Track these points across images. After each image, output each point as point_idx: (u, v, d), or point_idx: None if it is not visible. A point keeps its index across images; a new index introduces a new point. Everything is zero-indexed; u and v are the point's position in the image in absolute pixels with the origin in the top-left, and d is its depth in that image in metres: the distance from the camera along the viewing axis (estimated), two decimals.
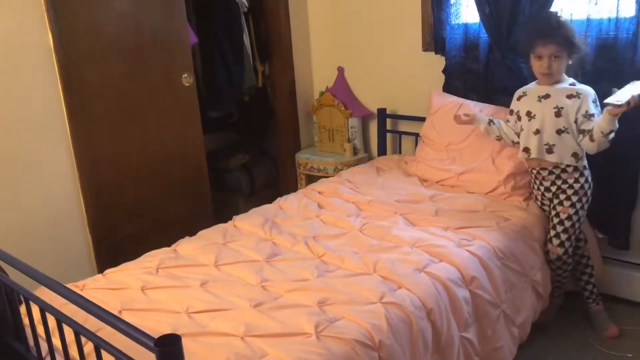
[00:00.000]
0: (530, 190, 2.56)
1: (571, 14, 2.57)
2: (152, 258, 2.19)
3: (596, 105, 2.25)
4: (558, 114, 2.27)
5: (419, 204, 2.57)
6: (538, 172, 2.40)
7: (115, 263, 2.19)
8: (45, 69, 2.54)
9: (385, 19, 3.31)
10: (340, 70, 3.58)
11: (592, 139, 2.21)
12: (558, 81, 2.31)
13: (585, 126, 2.24)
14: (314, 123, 3.69)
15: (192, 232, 2.44)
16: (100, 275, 2.12)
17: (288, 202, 2.68)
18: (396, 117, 3.37)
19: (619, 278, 2.70)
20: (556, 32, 2.22)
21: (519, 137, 2.43)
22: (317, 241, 2.25)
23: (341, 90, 3.56)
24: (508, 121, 2.51)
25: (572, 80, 2.32)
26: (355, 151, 3.54)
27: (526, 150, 2.37)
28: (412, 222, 2.40)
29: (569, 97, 2.25)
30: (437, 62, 3.09)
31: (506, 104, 2.74)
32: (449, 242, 2.15)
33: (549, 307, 2.50)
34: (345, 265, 2.05)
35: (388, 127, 3.39)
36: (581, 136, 2.26)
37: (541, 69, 2.28)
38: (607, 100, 2.07)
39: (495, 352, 2.06)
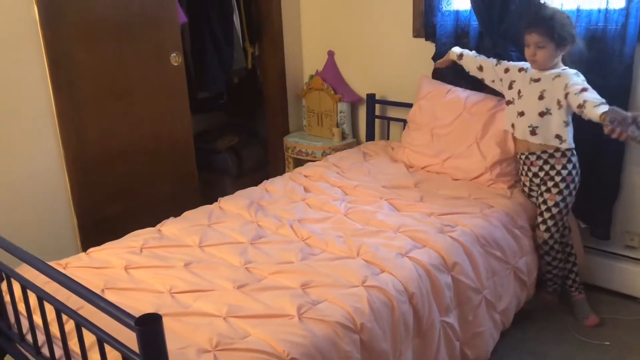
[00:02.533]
0: (517, 177, 2.58)
1: (562, 4, 2.57)
2: (137, 238, 2.19)
3: (577, 76, 2.27)
4: (541, 97, 2.33)
5: (404, 189, 2.58)
6: (527, 157, 2.44)
7: (100, 242, 2.19)
8: (30, 44, 2.50)
9: (376, 4, 3.29)
10: (331, 54, 3.56)
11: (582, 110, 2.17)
12: (551, 68, 2.34)
13: (580, 98, 2.16)
14: (303, 107, 3.68)
15: (178, 213, 2.43)
16: (83, 253, 2.12)
17: (274, 185, 2.68)
18: (385, 102, 3.36)
19: (599, 267, 2.74)
20: (541, 22, 2.27)
21: (483, 73, 2.62)
22: (302, 224, 2.25)
23: (331, 75, 3.54)
24: (497, 62, 2.58)
25: (564, 67, 2.34)
26: (343, 136, 3.53)
27: (513, 126, 2.46)
28: (396, 207, 2.42)
29: (554, 79, 2.31)
30: (428, 48, 3.08)
31: (495, 92, 2.76)
32: (432, 228, 2.16)
33: (537, 300, 2.55)
34: (329, 249, 2.06)
35: (377, 112, 3.39)
36: (579, 109, 2.19)
37: (528, 56, 2.36)
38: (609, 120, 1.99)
39: (476, 337, 2.09)
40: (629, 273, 2.67)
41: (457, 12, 2.92)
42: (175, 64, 3.02)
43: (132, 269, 1.96)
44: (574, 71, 2.30)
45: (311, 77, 3.63)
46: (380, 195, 2.51)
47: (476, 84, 2.86)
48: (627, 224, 2.67)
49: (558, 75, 2.29)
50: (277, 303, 1.70)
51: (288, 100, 3.74)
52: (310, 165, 2.97)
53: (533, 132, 2.36)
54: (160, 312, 1.64)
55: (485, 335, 2.12)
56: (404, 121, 3.11)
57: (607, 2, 2.43)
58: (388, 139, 3.37)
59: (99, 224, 2.82)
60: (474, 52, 2.69)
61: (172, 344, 1.47)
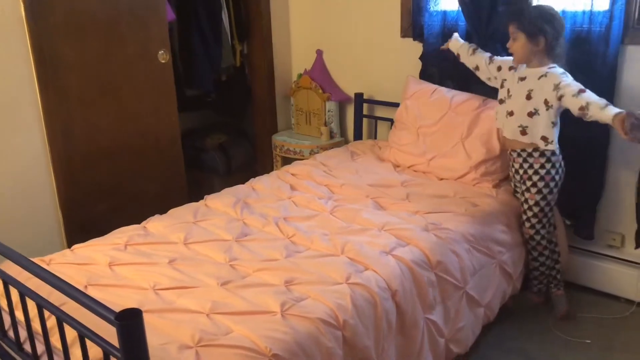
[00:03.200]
0: (502, 176, 2.61)
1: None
2: (121, 235, 2.19)
3: (566, 75, 2.27)
4: (529, 97, 2.33)
5: (390, 188, 2.59)
6: (510, 154, 2.49)
7: (86, 239, 2.18)
8: (16, 39, 2.49)
9: (365, 4, 3.30)
10: (319, 53, 3.57)
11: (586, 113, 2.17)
12: (540, 64, 2.33)
13: (581, 100, 2.17)
14: (292, 105, 3.68)
15: (165, 211, 2.43)
16: (67, 250, 2.11)
17: (260, 183, 2.68)
18: (373, 102, 3.38)
19: (582, 267, 2.77)
20: (515, 14, 2.33)
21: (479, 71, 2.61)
22: (288, 222, 2.26)
23: (319, 74, 3.55)
24: (490, 59, 2.58)
25: (553, 65, 2.32)
26: (331, 135, 3.54)
27: (503, 125, 2.47)
28: (382, 206, 2.43)
29: (539, 78, 2.31)
30: (415, 48, 3.10)
31: (481, 92, 2.78)
32: (417, 226, 2.18)
33: (523, 300, 2.57)
34: (314, 247, 2.07)
35: (365, 111, 3.40)
36: (581, 112, 2.19)
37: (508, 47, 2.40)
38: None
39: (457, 332, 2.11)
40: (611, 272, 2.71)
41: (444, 13, 2.94)
42: (163, 62, 3.01)
43: (116, 266, 1.95)
44: (561, 70, 2.29)
45: (300, 75, 3.64)
46: (366, 193, 2.53)
47: (462, 84, 2.89)
48: (609, 224, 2.70)
49: (544, 75, 2.29)
50: (261, 300, 1.70)
51: (276, 98, 3.75)
52: (297, 164, 2.97)
53: (524, 132, 2.36)
54: (143, 309, 1.64)
55: (466, 330, 2.15)
56: (391, 120, 3.12)
57: (592, 4, 2.46)
58: (375, 138, 3.39)
59: (85, 222, 2.81)
60: (472, 46, 2.66)
61: (154, 340, 1.48)
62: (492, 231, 2.33)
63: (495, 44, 2.66)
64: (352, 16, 3.38)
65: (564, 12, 2.53)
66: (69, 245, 2.18)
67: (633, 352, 2.38)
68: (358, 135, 3.41)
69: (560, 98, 2.24)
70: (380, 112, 3.37)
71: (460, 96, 2.77)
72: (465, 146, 2.64)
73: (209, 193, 2.59)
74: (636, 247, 2.58)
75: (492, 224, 2.36)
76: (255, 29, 3.63)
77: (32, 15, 2.50)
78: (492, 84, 2.60)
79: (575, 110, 2.20)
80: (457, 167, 2.64)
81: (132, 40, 2.89)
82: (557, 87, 2.24)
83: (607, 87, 2.47)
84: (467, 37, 2.82)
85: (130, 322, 1.15)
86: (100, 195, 2.89)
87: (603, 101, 2.13)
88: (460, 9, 2.80)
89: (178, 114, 3.17)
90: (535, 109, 2.32)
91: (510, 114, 2.40)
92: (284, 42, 3.70)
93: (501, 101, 2.48)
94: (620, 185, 2.63)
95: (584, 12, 2.49)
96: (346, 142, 3.55)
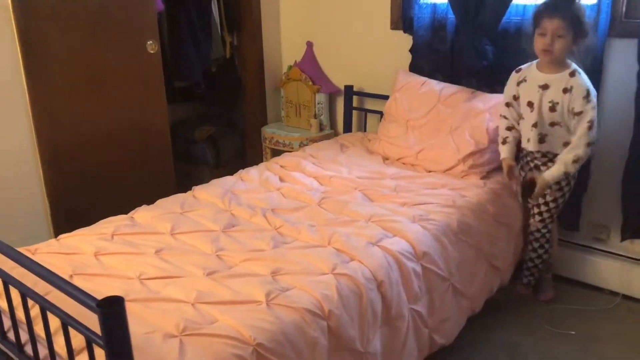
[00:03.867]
0: (490, 169, 2.62)
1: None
2: (108, 224, 2.18)
3: (587, 101, 2.19)
4: (553, 109, 2.26)
5: (379, 180, 2.60)
6: (529, 154, 2.45)
7: (73, 229, 2.17)
8: (2, 28, 2.47)
9: None
10: (309, 45, 3.56)
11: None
12: (559, 66, 2.24)
13: (570, 125, 2.26)
14: (282, 97, 3.68)
15: (153, 202, 2.42)
16: (54, 239, 2.10)
17: (249, 174, 2.68)
18: (362, 94, 3.38)
19: (569, 259, 2.79)
20: (565, 7, 2.15)
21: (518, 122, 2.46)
22: (276, 214, 2.26)
23: (309, 66, 3.55)
24: (507, 108, 2.45)
25: (574, 67, 2.24)
26: (321, 127, 3.54)
27: (528, 140, 2.40)
28: (370, 197, 2.43)
29: (565, 90, 2.22)
30: (405, 41, 3.10)
31: (470, 85, 2.79)
32: (404, 218, 2.18)
33: (511, 291, 2.59)
34: (301, 238, 2.07)
35: (355, 104, 3.40)
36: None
37: (543, 45, 2.19)
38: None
39: (442, 323, 2.12)
40: (596, 265, 2.73)
41: (434, 5, 2.94)
42: (152, 52, 3.00)
43: (102, 255, 1.95)
44: (585, 89, 2.19)
45: (290, 67, 3.63)
46: (354, 185, 2.53)
47: (452, 77, 2.89)
48: (595, 216, 2.72)
49: (569, 90, 2.21)
50: (246, 290, 1.71)
51: (266, 90, 3.74)
52: (286, 156, 2.97)
53: (542, 140, 2.35)
54: (128, 298, 1.65)
55: (451, 321, 2.16)
56: (381, 113, 3.12)
57: None
58: (365, 130, 3.39)
59: (72, 212, 2.80)
60: (507, 135, 2.48)
61: (138, 329, 1.48)
62: (480, 222, 2.34)
63: (482, 38, 2.67)
64: (343, 8, 3.38)
65: None
66: (56, 236, 2.17)
67: (617, 343, 2.41)
68: (348, 128, 3.41)
69: (571, 111, 2.23)
70: (370, 104, 3.38)
71: (449, 89, 2.78)
72: (454, 138, 2.65)
73: (198, 185, 2.59)
74: (622, 240, 2.60)
75: (481, 215, 2.37)
76: (245, 21, 3.62)
77: (19, 4, 2.48)
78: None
79: (569, 128, 2.24)
80: (446, 160, 2.65)
81: (120, 30, 2.87)
82: (571, 111, 2.22)
83: (593, 79, 2.48)
84: (455, 30, 2.82)
85: (112, 309, 1.15)
86: (87, 185, 2.87)
87: (576, 154, 2.22)
88: (448, 1, 2.80)
89: (167, 105, 3.16)
90: (557, 121, 2.28)
91: (535, 125, 2.33)
92: (274, 33, 3.69)
93: (521, 117, 2.41)
94: (606, 178, 2.65)
95: None
96: (336, 134, 3.55)
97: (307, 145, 3.31)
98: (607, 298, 2.71)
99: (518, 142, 2.49)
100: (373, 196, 2.44)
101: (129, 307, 1.59)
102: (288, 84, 3.60)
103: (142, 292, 1.71)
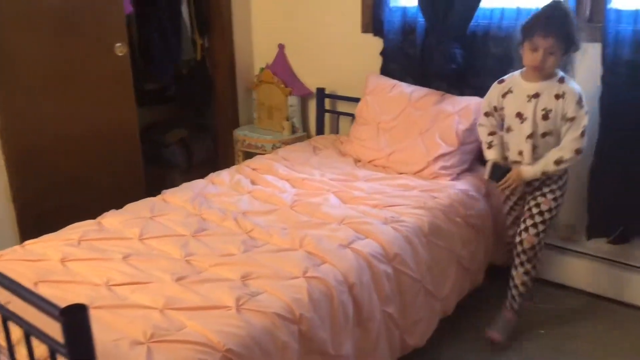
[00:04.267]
0: (460, 170, 2.62)
1: (503, 2, 2.63)
2: (75, 230, 2.14)
3: (581, 107, 2.15)
4: (546, 117, 2.18)
5: (351, 182, 2.60)
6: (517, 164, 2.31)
7: (40, 234, 2.12)
8: None
9: None
10: (281, 47, 3.56)
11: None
12: (547, 74, 2.18)
13: (562, 130, 2.19)
14: (254, 100, 3.66)
15: (122, 206, 2.37)
16: (18, 246, 2.05)
17: (220, 177, 2.66)
18: (335, 97, 3.38)
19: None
20: (560, 25, 2.08)
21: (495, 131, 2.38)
22: (247, 217, 2.24)
23: (281, 68, 3.54)
24: (487, 118, 2.38)
25: (561, 74, 2.19)
26: (293, 130, 3.54)
27: (520, 153, 2.27)
28: (342, 200, 2.43)
29: (557, 97, 2.16)
30: (376, 44, 3.11)
31: (440, 87, 2.81)
32: (376, 220, 2.19)
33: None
34: (272, 241, 2.06)
35: (327, 107, 3.40)
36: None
37: (534, 61, 2.12)
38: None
39: (414, 325, 2.13)
40: (566, 264, 2.78)
41: (404, 8, 2.96)
42: (121, 54, 2.95)
43: (69, 262, 1.91)
44: (577, 94, 2.14)
45: (261, 70, 3.62)
46: (327, 188, 2.53)
47: (422, 80, 2.91)
48: (564, 216, 2.76)
49: (561, 95, 2.15)
50: (216, 295, 1.69)
51: (238, 92, 3.72)
52: (258, 158, 2.96)
53: (534, 152, 2.25)
54: (94, 305, 1.63)
55: (423, 323, 2.17)
56: (353, 115, 3.13)
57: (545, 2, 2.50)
58: (338, 133, 3.39)
59: (40, 216, 2.74)
60: (491, 139, 2.39)
61: (105, 336, 1.45)
62: (451, 224, 2.36)
63: (451, 41, 2.69)
64: (314, 11, 3.38)
65: (519, 9, 2.58)
66: (23, 242, 2.12)
67: (586, 342, 2.45)
68: (320, 130, 3.41)
69: (563, 117, 2.17)
70: (342, 107, 3.38)
71: (419, 91, 2.80)
72: (424, 141, 2.67)
73: (169, 188, 2.56)
74: (588, 239, 2.65)
75: (451, 216, 2.39)
76: (216, 23, 3.60)
77: None
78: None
79: (560, 136, 2.18)
80: (416, 161, 2.67)
81: (87, 32, 2.82)
82: (564, 117, 2.16)
83: None
84: (425, 33, 2.85)
85: (75, 317, 1.12)
86: (55, 189, 2.82)
87: (561, 156, 2.17)
88: (418, 5, 2.82)
89: (137, 108, 3.12)
90: (549, 130, 2.20)
91: (530, 136, 2.22)
92: (245, 35, 3.67)
93: (509, 129, 2.29)
94: (574, 178, 2.68)
95: (537, 9, 2.53)
96: (308, 136, 3.55)
97: (279, 147, 3.30)
98: (577, 297, 2.75)
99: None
100: (345, 198, 2.44)
101: (96, 314, 1.57)
102: (260, 86, 3.59)
103: (109, 298, 1.69)
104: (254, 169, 2.77)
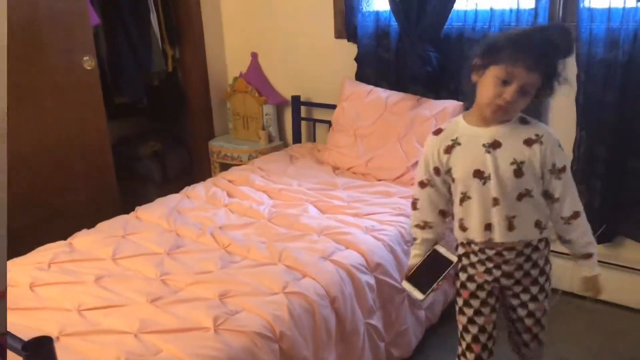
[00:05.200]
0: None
1: (476, 4, 2.62)
2: (45, 252, 2.06)
3: (562, 149, 1.57)
4: (519, 173, 1.51)
5: (330, 191, 2.56)
6: (497, 254, 1.59)
7: (9, 257, 2.03)
8: None
9: (298, 4, 3.25)
10: (254, 55, 3.50)
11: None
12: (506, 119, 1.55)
13: (552, 190, 1.55)
14: (228, 110, 3.60)
15: (95, 224, 2.30)
16: None
17: (195, 191, 2.59)
18: (310, 104, 3.33)
19: None
20: (553, 59, 1.47)
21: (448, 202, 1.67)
22: (224, 231, 2.18)
23: (255, 77, 3.48)
24: (423, 189, 1.65)
25: (519, 113, 1.56)
26: (270, 139, 3.48)
27: (488, 227, 1.56)
28: (321, 209, 2.39)
29: (528, 142, 1.52)
30: (350, 49, 3.08)
31: (416, 91, 2.78)
32: (356, 229, 2.15)
33: None
34: (251, 256, 2.01)
35: (303, 114, 3.35)
36: (547, 202, 1.58)
37: (501, 99, 1.46)
38: None
39: (399, 335, 2.09)
40: None
41: (377, 13, 2.93)
42: (89, 68, 2.86)
43: (38, 287, 1.83)
44: (555, 135, 1.55)
45: (235, 79, 3.56)
46: (305, 198, 2.48)
47: (397, 84, 2.89)
48: None
49: (536, 140, 1.52)
50: (193, 315, 1.63)
51: (212, 103, 3.65)
52: (234, 170, 2.90)
53: (510, 226, 1.54)
54: (65, 332, 1.56)
55: (409, 333, 2.13)
56: (330, 123, 3.09)
57: (518, 3, 2.50)
58: (314, 140, 3.35)
59: (8, 237, 2.62)
60: (426, 227, 1.68)
61: None
62: None
63: (425, 44, 2.67)
64: (286, 18, 3.33)
65: (492, 10, 2.57)
66: None
67: (565, 342, 2.43)
68: (297, 139, 3.37)
69: (560, 169, 1.54)
70: (318, 114, 3.34)
71: (395, 96, 2.77)
72: (402, 146, 2.64)
73: (144, 203, 2.48)
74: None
75: None
76: (186, 33, 3.53)
77: None
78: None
79: (540, 194, 1.55)
80: (395, 167, 2.63)
81: (53, 45, 2.73)
82: (554, 169, 1.53)
83: None
84: (398, 37, 2.82)
85: (39, 351, 1.05)
86: (23, 208, 2.70)
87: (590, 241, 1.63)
88: (390, 9, 2.79)
89: (107, 122, 3.03)
90: (527, 189, 1.53)
91: (495, 202, 1.53)
92: (217, 45, 3.61)
93: (465, 197, 1.57)
94: None
95: (510, 10, 2.53)
96: (285, 145, 3.50)
97: (256, 157, 3.24)
98: (558, 298, 2.74)
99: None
100: (324, 208, 2.39)
101: (66, 342, 1.50)
102: (234, 96, 3.52)
103: (81, 324, 1.61)
104: (229, 181, 2.71)
